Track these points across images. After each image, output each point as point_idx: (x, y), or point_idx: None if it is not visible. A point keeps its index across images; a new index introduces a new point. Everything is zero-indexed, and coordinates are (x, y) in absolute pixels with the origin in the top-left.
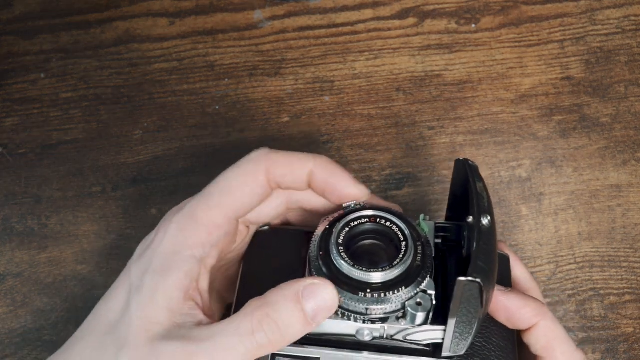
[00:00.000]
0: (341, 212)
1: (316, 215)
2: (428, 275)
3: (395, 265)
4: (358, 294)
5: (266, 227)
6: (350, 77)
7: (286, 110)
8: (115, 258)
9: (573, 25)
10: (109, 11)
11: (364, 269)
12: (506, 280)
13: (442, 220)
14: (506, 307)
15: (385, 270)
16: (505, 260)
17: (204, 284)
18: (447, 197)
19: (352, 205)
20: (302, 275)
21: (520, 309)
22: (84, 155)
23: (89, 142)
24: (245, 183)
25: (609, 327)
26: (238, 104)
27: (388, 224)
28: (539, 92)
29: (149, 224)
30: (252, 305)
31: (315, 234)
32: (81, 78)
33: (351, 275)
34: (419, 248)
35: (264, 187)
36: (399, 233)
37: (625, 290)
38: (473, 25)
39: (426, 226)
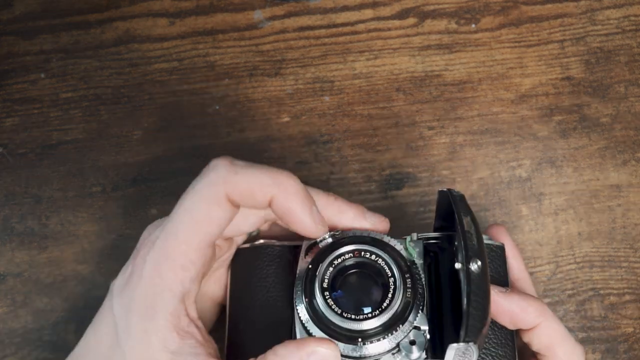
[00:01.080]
0: (321, 246)
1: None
2: (420, 310)
3: (385, 309)
4: (350, 343)
5: (249, 244)
6: (350, 77)
7: (286, 110)
8: (115, 258)
9: (573, 25)
10: (109, 11)
11: (353, 317)
12: (502, 273)
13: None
14: (509, 310)
15: (376, 316)
16: (500, 252)
17: (193, 312)
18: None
19: (327, 237)
20: (291, 302)
21: (523, 310)
22: (84, 155)
23: (89, 142)
24: (208, 210)
25: (609, 327)
26: (238, 104)
27: (373, 257)
28: (539, 92)
29: (149, 224)
30: None
31: (298, 270)
32: (81, 78)
33: (342, 325)
34: (408, 282)
35: (229, 211)
36: (385, 267)
37: (625, 290)
38: (473, 25)
39: (414, 250)
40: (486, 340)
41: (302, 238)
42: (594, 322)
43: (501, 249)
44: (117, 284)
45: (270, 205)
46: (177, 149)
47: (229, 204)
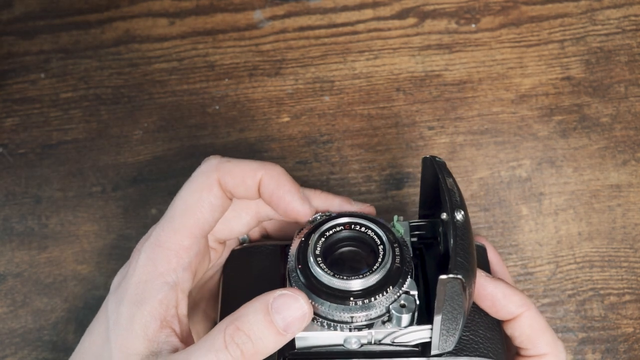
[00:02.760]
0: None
1: (293, 224)
2: (409, 276)
3: (375, 270)
4: (341, 303)
5: (243, 245)
6: (350, 77)
7: (286, 110)
8: (115, 258)
9: (573, 25)
10: (109, 11)
11: (343, 277)
12: (485, 271)
13: (415, 219)
14: (493, 294)
15: (366, 276)
16: (482, 251)
17: (183, 309)
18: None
19: (318, 218)
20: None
21: (506, 296)
22: (84, 155)
23: (89, 142)
24: (201, 199)
25: (609, 327)
26: (238, 104)
27: (363, 229)
28: (539, 92)
29: (149, 224)
30: (225, 320)
31: (291, 248)
32: (81, 78)
33: (332, 285)
34: (397, 250)
35: (221, 198)
36: (375, 237)
37: (625, 290)
38: (473, 25)
39: (401, 227)
40: (474, 323)
41: (292, 239)
42: (594, 322)
43: (483, 249)
44: (114, 282)
45: (259, 190)
46: (177, 149)
47: (221, 190)
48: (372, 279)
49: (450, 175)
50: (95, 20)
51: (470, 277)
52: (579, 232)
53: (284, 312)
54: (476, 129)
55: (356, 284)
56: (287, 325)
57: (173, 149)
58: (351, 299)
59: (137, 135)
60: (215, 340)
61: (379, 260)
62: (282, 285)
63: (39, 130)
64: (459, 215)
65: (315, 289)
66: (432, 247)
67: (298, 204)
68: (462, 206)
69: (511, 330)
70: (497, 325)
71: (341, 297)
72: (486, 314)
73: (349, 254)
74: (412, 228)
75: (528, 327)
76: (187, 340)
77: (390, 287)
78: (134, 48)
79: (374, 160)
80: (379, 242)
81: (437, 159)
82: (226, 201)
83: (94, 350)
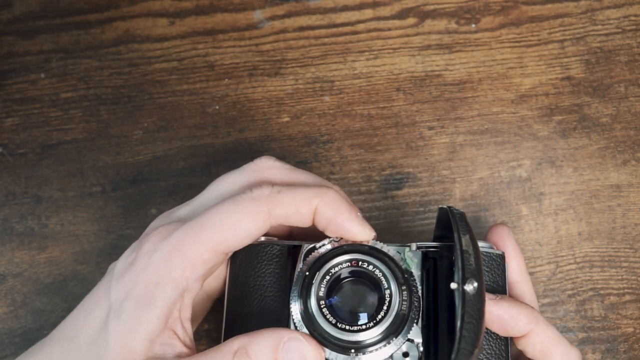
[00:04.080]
0: (320, 252)
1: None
2: (414, 324)
3: (380, 321)
4: (343, 353)
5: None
6: (350, 77)
7: (286, 110)
8: (115, 258)
9: (573, 25)
10: (109, 11)
11: (347, 328)
12: (500, 282)
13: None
14: (499, 316)
15: (370, 328)
16: (500, 260)
17: (187, 313)
18: (447, 198)
19: (326, 243)
20: (288, 301)
21: (513, 317)
22: (84, 155)
23: (89, 142)
24: (240, 224)
25: (609, 327)
26: (238, 104)
27: (370, 267)
28: (539, 92)
29: (149, 224)
30: (237, 341)
31: (295, 274)
32: (81, 78)
33: (335, 335)
34: (404, 294)
35: (262, 229)
36: (382, 278)
37: (625, 290)
38: (473, 25)
39: (412, 261)
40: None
41: (302, 238)
42: (594, 322)
43: (501, 257)
44: (118, 267)
45: (314, 217)
46: (177, 149)
47: (267, 221)
48: (376, 331)
49: (467, 231)
50: (95, 20)
51: (473, 357)
52: (579, 232)
53: (291, 355)
54: (476, 129)
55: (360, 337)
56: None
57: (173, 149)
58: (352, 351)
59: (137, 135)
60: (223, 359)
61: (385, 308)
62: (288, 292)
63: (39, 130)
64: (469, 287)
65: (317, 336)
66: (445, 258)
67: (358, 230)
68: (476, 274)
69: (523, 346)
70: (504, 351)
71: (344, 347)
72: (493, 339)
73: (354, 293)
74: (424, 254)
75: (539, 343)
76: (189, 345)
77: (394, 338)
78: (134, 48)
79: (374, 160)
80: (385, 285)
81: (454, 210)
82: (265, 230)
83: (88, 332)
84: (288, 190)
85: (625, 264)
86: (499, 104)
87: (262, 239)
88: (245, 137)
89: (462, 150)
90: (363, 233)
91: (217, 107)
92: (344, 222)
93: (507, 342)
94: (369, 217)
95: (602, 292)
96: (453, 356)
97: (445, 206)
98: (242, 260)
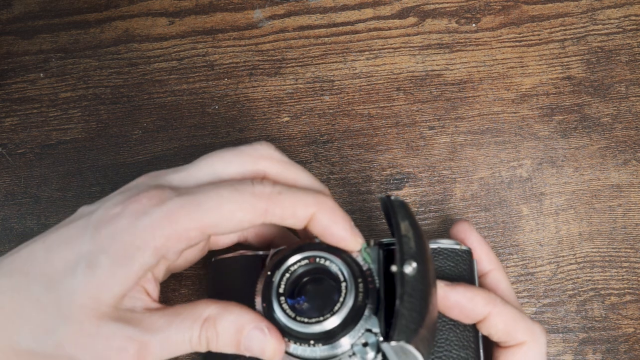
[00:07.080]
0: (281, 254)
1: (271, 229)
2: (372, 313)
3: (336, 311)
4: (304, 345)
5: (221, 256)
6: (350, 76)
7: (286, 110)
8: None
9: (574, 24)
10: (108, 11)
11: (305, 321)
12: (467, 277)
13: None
14: (457, 301)
15: (327, 319)
16: (466, 255)
17: (159, 274)
18: (448, 198)
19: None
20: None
21: (470, 300)
22: (83, 155)
23: (88, 142)
24: (237, 213)
25: (609, 328)
26: (238, 104)
27: (327, 262)
28: (539, 91)
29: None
30: (207, 310)
31: (259, 280)
32: (80, 78)
33: (294, 328)
34: (360, 286)
35: (254, 223)
36: (338, 272)
37: (626, 290)
38: (473, 25)
39: (368, 256)
40: (447, 342)
41: (273, 247)
42: (595, 322)
43: (467, 253)
44: (98, 215)
45: (309, 222)
46: (177, 149)
47: (262, 217)
48: (332, 322)
49: (407, 217)
50: (94, 19)
51: (417, 333)
52: (579, 232)
53: (252, 343)
54: (477, 129)
55: (317, 328)
56: (248, 351)
57: (172, 148)
58: (311, 342)
59: (137, 135)
60: (194, 323)
61: (341, 300)
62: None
63: (38, 130)
64: (408, 268)
65: (279, 328)
66: None
67: (350, 239)
68: (415, 256)
69: (486, 330)
70: (472, 342)
71: (304, 339)
72: (460, 331)
73: (313, 290)
74: (383, 249)
75: (500, 322)
76: (157, 302)
77: (352, 328)
78: (133, 47)
79: (374, 160)
80: (341, 278)
81: (391, 198)
82: (257, 224)
83: (49, 272)
84: (288, 192)
85: (626, 264)
86: (500, 103)
87: (240, 252)
88: (245, 137)
89: (463, 150)
90: (355, 242)
91: (217, 107)
92: (340, 231)
93: (477, 334)
94: (368, 217)
95: (602, 292)
96: (391, 333)
97: (384, 195)
98: (218, 274)
